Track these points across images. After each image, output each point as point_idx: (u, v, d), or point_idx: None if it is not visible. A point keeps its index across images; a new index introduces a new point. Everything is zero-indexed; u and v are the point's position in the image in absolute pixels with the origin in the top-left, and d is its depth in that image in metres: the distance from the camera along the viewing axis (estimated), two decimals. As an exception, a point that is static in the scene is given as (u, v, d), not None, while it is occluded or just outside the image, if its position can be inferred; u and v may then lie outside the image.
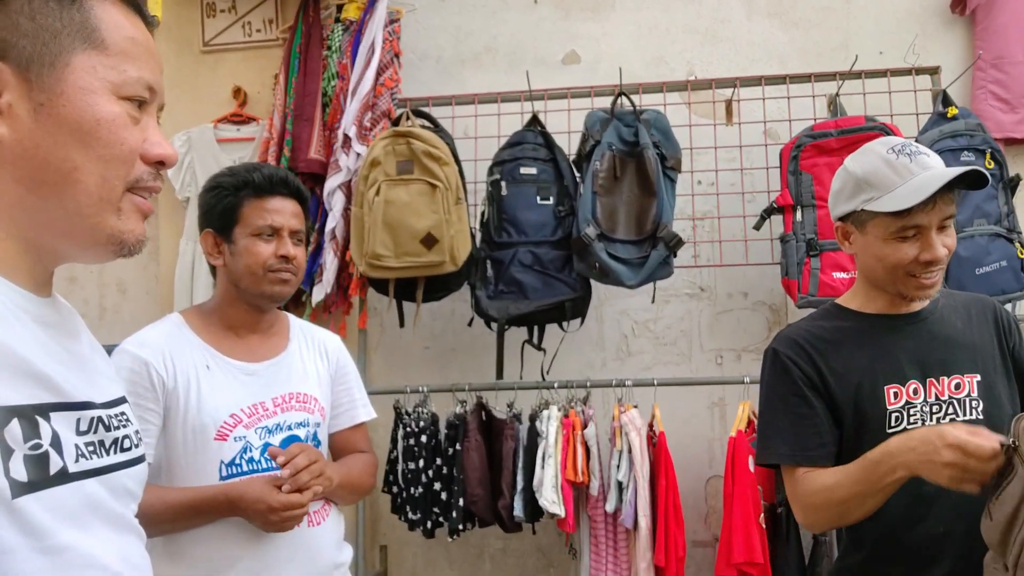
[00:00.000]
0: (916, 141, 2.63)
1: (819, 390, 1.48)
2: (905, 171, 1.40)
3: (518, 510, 2.63)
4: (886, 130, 2.66)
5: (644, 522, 2.54)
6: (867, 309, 1.53)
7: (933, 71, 2.90)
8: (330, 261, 2.91)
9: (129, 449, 0.87)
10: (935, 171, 1.40)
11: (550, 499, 2.55)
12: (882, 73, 2.89)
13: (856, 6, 3.19)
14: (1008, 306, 2.64)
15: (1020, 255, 2.62)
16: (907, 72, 2.89)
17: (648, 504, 2.55)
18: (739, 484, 2.49)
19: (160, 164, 0.85)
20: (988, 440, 1.20)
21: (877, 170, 1.42)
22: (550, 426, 2.62)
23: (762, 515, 2.50)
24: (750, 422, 2.68)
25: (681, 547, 2.49)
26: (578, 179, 2.79)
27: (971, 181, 1.37)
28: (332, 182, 2.92)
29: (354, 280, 2.93)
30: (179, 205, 3.31)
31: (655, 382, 2.76)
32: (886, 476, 1.31)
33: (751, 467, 2.51)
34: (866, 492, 1.34)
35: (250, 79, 3.35)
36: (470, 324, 2.92)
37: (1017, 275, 2.60)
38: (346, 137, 2.91)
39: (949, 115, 2.70)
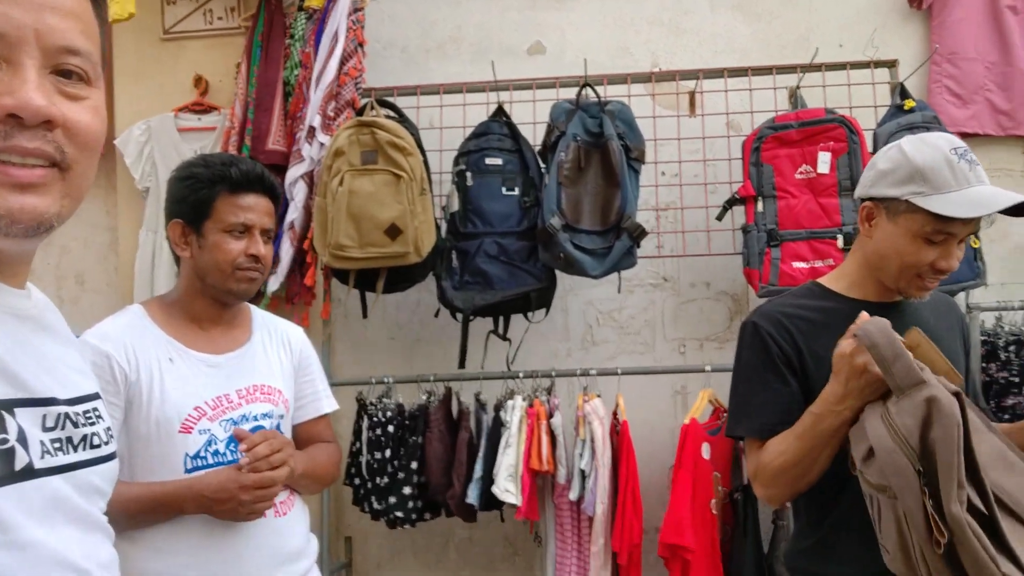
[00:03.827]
0: (875, 133, 2.73)
1: (795, 369, 1.48)
2: (963, 178, 1.37)
3: (472, 498, 2.64)
4: (846, 122, 2.71)
5: (600, 508, 2.57)
6: (852, 293, 1.53)
7: (891, 64, 2.95)
8: (286, 251, 2.89)
9: (98, 446, 0.86)
10: (988, 187, 1.39)
11: (503, 488, 2.57)
12: (842, 66, 2.93)
13: (816, 0, 3.23)
14: (962, 295, 2.71)
15: (974, 245, 2.68)
16: (866, 65, 2.93)
17: (607, 491, 2.58)
18: (683, 470, 2.53)
19: (13, 118, 0.71)
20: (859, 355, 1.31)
21: (937, 167, 1.38)
22: (514, 415, 2.64)
23: (713, 500, 2.55)
24: (716, 410, 2.72)
25: (637, 533, 2.52)
26: (543, 170, 2.80)
27: (1015, 208, 1.36)
28: (294, 172, 2.90)
29: (311, 270, 2.91)
30: (138, 195, 3.26)
31: (619, 371, 2.79)
32: (828, 419, 1.35)
33: (706, 454, 2.55)
34: (817, 444, 1.38)
35: (212, 68, 3.30)
36: (436, 315, 2.92)
37: (971, 264, 2.66)
38: (310, 127, 2.89)
39: (906, 108, 2.75)
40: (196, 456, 1.58)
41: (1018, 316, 2.78)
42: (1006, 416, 2.70)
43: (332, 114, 2.91)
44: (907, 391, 1.23)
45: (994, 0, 3.14)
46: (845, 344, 1.35)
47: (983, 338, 2.76)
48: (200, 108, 3.26)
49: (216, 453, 1.60)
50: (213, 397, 1.62)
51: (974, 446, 1.18)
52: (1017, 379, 2.70)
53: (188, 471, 1.57)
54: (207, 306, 1.69)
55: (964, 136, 3.04)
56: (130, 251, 3.24)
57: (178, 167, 1.72)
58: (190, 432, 1.58)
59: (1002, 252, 3.14)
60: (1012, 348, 2.72)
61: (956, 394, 1.22)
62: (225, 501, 1.52)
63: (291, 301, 3.05)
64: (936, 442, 1.18)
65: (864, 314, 1.36)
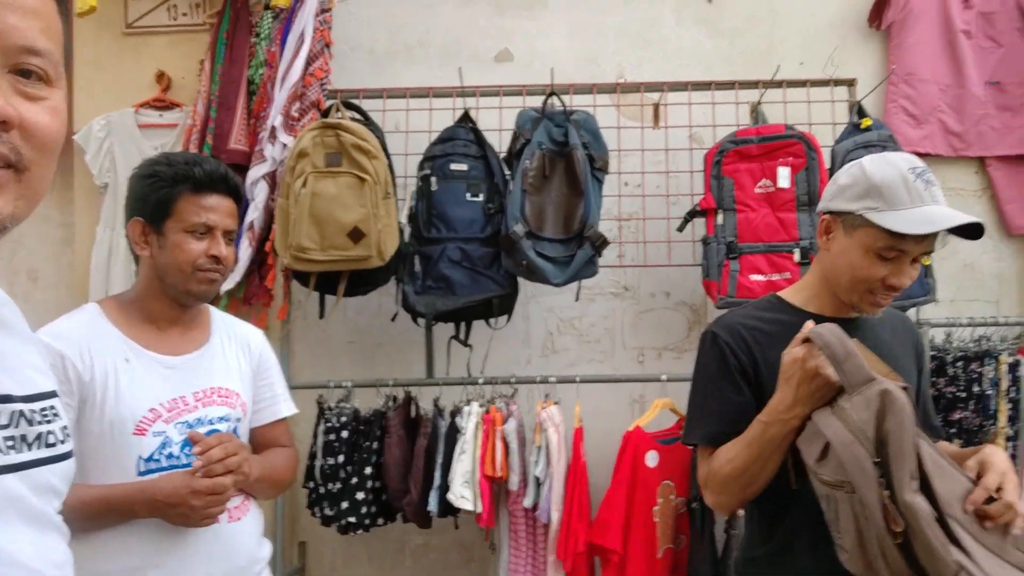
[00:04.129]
0: (832, 150, 2.79)
1: (750, 379, 1.51)
2: (917, 196, 1.40)
3: (432, 505, 2.64)
4: (805, 139, 2.76)
5: (556, 516, 2.58)
6: (809, 307, 1.55)
7: (850, 83, 3.02)
8: (244, 251, 2.86)
9: (54, 445, 0.85)
10: (941, 207, 1.41)
11: (459, 494, 2.57)
12: (802, 83, 2.99)
13: (780, 17, 3.30)
14: (913, 310, 2.78)
15: (924, 262, 2.75)
16: (825, 83, 3.00)
17: (562, 499, 2.60)
18: (620, 475, 2.57)
19: None
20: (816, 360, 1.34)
21: (893, 184, 1.41)
22: (469, 422, 2.64)
23: (656, 508, 2.58)
24: (679, 420, 2.75)
25: (582, 542, 2.53)
26: (508, 177, 2.82)
27: (967, 229, 1.39)
28: (255, 172, 2.87)
29: (271, 271, 2.88)
30: (96, 191, 3.20)
31: (577, 379, 2.81)
32: (776, 427, 1.38)
33: (651, 462, 2.58)
34: (765, 452, 1.40)
35: (175, 64, 3.26)
36: (394, 319, 2.91)
37: (922, 281, 2.73)
38: (272, 127, 2.87)
39: (863, 126, 2.82)
40: (149, 459, 1.55)
41: (966, 332, 2.86)
42: (953, 430, 2.77)
43: (296, 115, 2.89)
44: (859, 387, 1.27)
45: (949, 24, 3.23)
46: (797, 349, 1.38)
47: (932, 353, 2.83)
48: (162, 104, 3.21)
49: (170, 456, 1.58)
50: (169, 399, 1.59)
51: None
52: (964, 394, 2.78)
53: (141, 474, 1.54)
54: (165, 307, 1.67)
55: (918, 155, 3.11)
56: (86, 248, 3.18)
57: (140, 165, 1.70)
58: (144, 434, 1.55)
59: (952, 270, 3.23)
60: (960, 364, 2.80)
61: (905, 388, 1.26)
62: (176, 505, 1.50)
63: (248, 302, 3.02)
64: (890, 433, 1.21)
65: (810, 322, 1.40)
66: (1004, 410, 2.70)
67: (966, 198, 3.23)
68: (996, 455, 1.34)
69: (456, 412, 2.72)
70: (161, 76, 3.24)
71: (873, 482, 1.21)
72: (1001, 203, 3.22)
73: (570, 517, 2.55)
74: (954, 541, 1.19)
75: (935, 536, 1.16)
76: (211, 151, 2.93)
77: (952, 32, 3.23)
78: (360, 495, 2.70)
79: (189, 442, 1.56)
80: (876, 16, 3.25)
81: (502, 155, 2.87)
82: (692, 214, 2.85)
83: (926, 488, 1.21)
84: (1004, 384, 2.71)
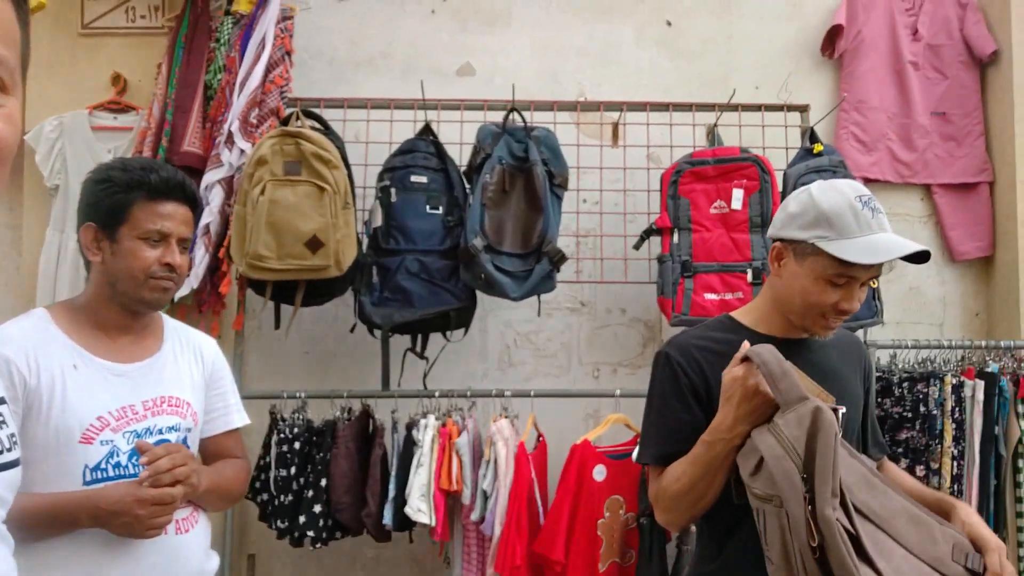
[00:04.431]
0: (785, 173, 2.86)
1: (702, 399, 1.52)
2: (866, 225, 1.43)
3: (387, 518, 2.62)
4: (759, 162, 2.83)
5: (498, 530, 2.58)
6: (759, 328, 1.58)
7: (803, 109, 3.10)
8: (200, 257, 2.82)
9: (0, 452, 0.83)
10: (889, 234, 1.46)
11: (416, 507, 2.55)
12: (757, 107, 3.06)
13: (737, 42, 3.37)
14: (860, 332, 2.85)
15: (872, 284, 2.83)
16: (780, 108, 3.07)
17: (505, 513, 2.59)
18: (564, 487, 2.58)
19: None
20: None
21: (842, 213, 1.44)
22: (425, 435, 2.63)
23: (601, 521, 2.60)
24: (635, 436, 2.77)
25: (519, 555, 2.52)
26: (468, 190, 2.83)
27: (914, 254, 1.44)
28: (211, 176, 2.83)
29: (225, 279, 2.84)
30: (46, 193, 3.13)
31: (532, 393, 2.82)
32: (719, 446, 1.41)
33: (598, 476, 2.61)
34: (710, 470, 1.43)
35: (131, 67, 3.21)
36: (352, 330, 2.90)
37: (869, 304, 2.81)
38: (229, 132, 2.84)
39: (815, 151, 2.89)
40: (96, 468, 1.52)
41: (911, 354, 2.94)
42: (900, 449, 2.84)
43: (255, 121, 2.87)
44: (793, 405, 1.32)
45: (898, 55, 3.34)
46: (736, 368, 1.41)
47: (879, 374, 2.91)
48: (117, 107, 3.16)
49: (118, 466, 1.55)
50: (118, 407, 1.57)
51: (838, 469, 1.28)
52: (910, 414, 2.85)
53: (87, 483, 1.51)
54: (116, 314, 1.64)
55: (866, 181, 3.21)
56: (34, 250, 3.10)
57: (95, 169, 1.67)
58: (91, 443, 1.52)
59: (898, 293, 3.33)
60: (905, 384, 2.87)
61: (834, 409, 1.32)
62: (121, 514, 1.47)
63: (200, 309, 2.97)
64: (817, 450, 1.26)
65: (746, 343, 1.44)
66: (949, 430, 2.78)
67: (912, 223, 3.33)
68: (980, 526, 1.42)
69: (413, 425, 2.71)
70: (117, 78, 3.18)
71: (800, 496, 1.26)
72: (945, 229, 3.33)
73: (509, 530, 2.54)
74: (868, 560, 1.24)
75: (847, 552, 1.21)
76: (165, 154, 2.89)
77: (901, 63, 3.34)
78: (317, 508, 2.67)
79: (137, 452, 1.53)
80: (829, 45, 3.35)
81: (462, 169, 2.88)
82: (648, 232, 2.90)
83: (847, 505, 1.26)
84: (949, 404, 2.79)
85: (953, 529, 1.39)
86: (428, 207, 2.80)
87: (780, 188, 2.86)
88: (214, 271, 2.91)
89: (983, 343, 2.92)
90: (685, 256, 2.82)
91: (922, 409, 2.81)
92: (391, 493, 2.64)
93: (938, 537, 1.36)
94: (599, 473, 2.63)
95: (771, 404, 1.37)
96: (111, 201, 1.60)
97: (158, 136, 2.95)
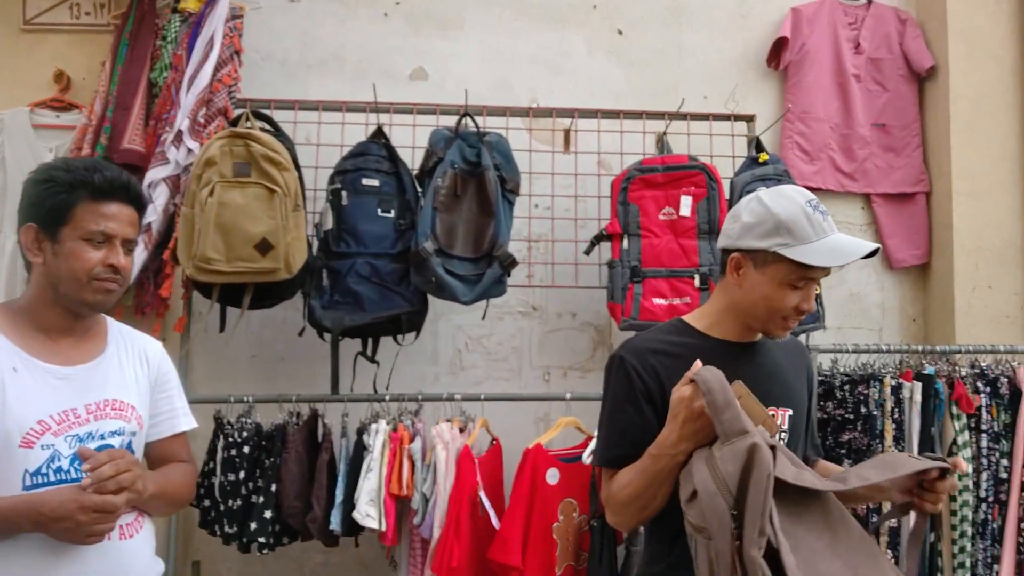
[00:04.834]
0: (732, 181, 2.92)
1: (655, 402, 1.54)
2: (820, 229, 1.50)
3: (335, 523, 2.60)
4: (706, 170, 2.88)
5: (437, 533, 2.58)
6: (713, 332, 1.61)
7: (749, 119, 3.17)
8: (138, 255, 2.75)
9: None
10: (841, 235, 1.53)
11: (364, 512, 2.54)
12: (705, 117, 3.13)
13: (686, 52, 3.44)
14: (803, 336, 2.92)
15: (816, 291, 2.90)
16: (727, 117, 3.14)
17: (444, 516, 2.58)
18: (519, 492, 2.59)
19: None
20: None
21: (797, 220, 1.49)
22: (376, 439, 2.62)
23: (556, 525, 2.62)
24: (586, 439, 2.80)
25: (455, 558, 2.52)
26: (420, 194, 2.83)
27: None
28: (155, 173, 2.76)
29: (168, 281, 2.79)
30: (-17, 191, 3.04)
31: (482, 396, 2.83)
32: (664, 460, 1.44)
33: (552, 479, 2.62)
34: (655, 482, 1.46)
35: (76, 64, 3.14)
36: (301, 334, 2.87)
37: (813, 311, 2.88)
38: (178, 131, 2.79)
39: (761, 160, 2.96)
40: (36, 472, 1.49)
41: (852, 358, 3.02)
42: (843, 450, 2.92)
43: (203, 121, 2.82)
44: (732, 438, 1.32)
45: (841, 67, 3.45)
46: (684, 389, 1.43)
47: (821, 378, 2.98)
48: (59, 105, 3.09)
49: (59, 470, 1.51)
50: (59, 411, 1.53)
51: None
52: (852, 416, 2.93)
53: (27, 488, 1.48)
54: (58, 316, 1.60)
55: (810, 190, 3.28)
56: (-31, 251, 3.00)
57: (37, 169, 1.63)
58: (31, 447, 1.49)
59: (839, 299, 3.42)
60: (847, 387, 2.95)
61: (772, 447, 1.32)
62: (61, 520, 1.44)
63: (142, 311, 2.91)
64: (749, 489, 1.28)
65: (698, 363, 1.46)
66: (889, 430, 2.86)
67: (853, 232, 3.43)
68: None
69: (363, 429, 2.69)
70: (60, 76, 3.11)
71: (728, 534, 1.27)
72: (884, 238, 3.44)
73: (448, 532, 2.54)
74: None
75: None
76: (104, 151, 2.83)
77: (843, 75, 3.44)
78: (268, 514, 2.63)
79: (79, 457, 1.50)
80: (774, 57, 3.43)
81: (414, 172, 2.88)
82: (599, 238, 2.93)
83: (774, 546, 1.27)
84: (889, 405, 2.87)
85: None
86: (380, 210, 2.79)
87: (727, 196, 2.93)
88: (157, 272, 2.86)
89: (920, 347, 3.02)
90: (634, 261, 2.86)
91: (863, 410, 2.89)
92: (339, 497, 2.62)
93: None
94: (552, 477, 2.64)
95: (715, 428, 1.39)
96: (53, 201, 1.57)
97: (97, 133, 2.88)
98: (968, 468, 1.48)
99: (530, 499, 2.60)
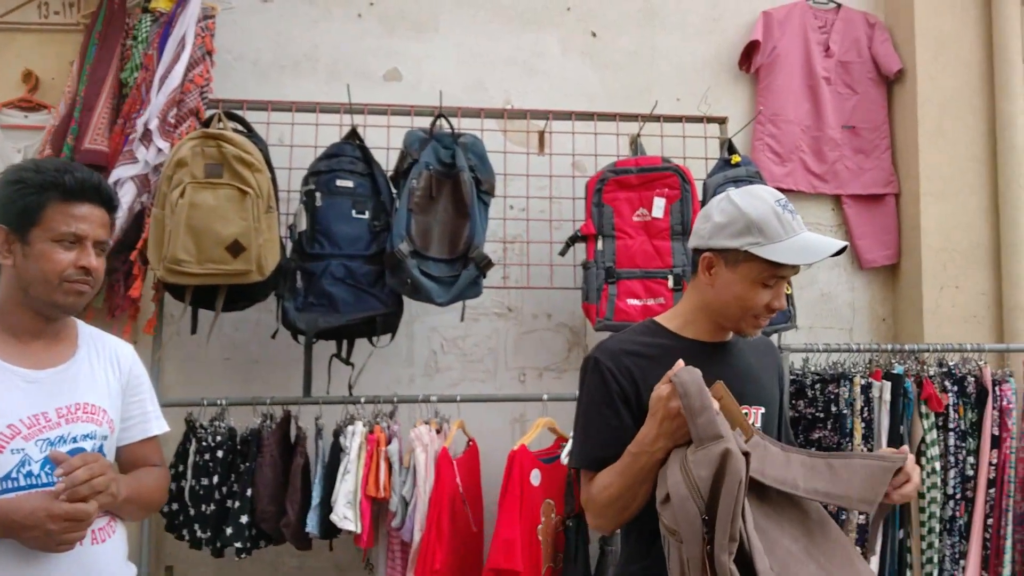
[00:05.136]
0: (704, 183, 2.94)
1: (631, 403, 1.55)
2: (790, 228, 1.52)
3: (311, 526, 2.58)
4: (680, 171, 2.91)
5: (418, 536, 2.57)
6: (684, 332, 1.63)
7: (721, 121, 3.20)
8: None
9: None
10: (811, 234, 1.56)
11: (341, 514, 2.52)
12: (678, 119, 3.15)
13: (659, 55, 3.47)
14: (775, 336, 2.95)
15: (787, 291, 2.94)
16: (699, 120, 3.17)
17: (425, 519, 2.58)
18: (510, 495, 2.59)
19: None
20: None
21: (768, 219, 1.52)
22: (353, 441, 2.61)
23: (539, 526, 2.62)
24: (557, 439, 2.80)
25: (438, 560, 2.52)
26: (394, 195, 2.82)
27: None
28: (122, 171, 2.72)
29: (137, 282, 2.75)
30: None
31: (458, 398, 2.83)
32: (643, 458, 1.45)
33: (535, 480, 2.63)
34: (635, 481, 1.47)
35: (45, 64, 3.10)
36: (274, 336, 2.85)
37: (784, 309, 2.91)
38: (147, 130, 2.76)
39: (733, 162, 2.99)
40: (7, 477, 1.47)
41: (822, 357, 3.06)
42: (813, 448, 2.95)
43: (173, 121, 2.80)
44: (706, 443, 1.34)
45: (812, 70, 3.49)
46: (663, 388, 1.44)
47: (792, 377, 3.02)
48: (28, 105, 3.04)
49: (30, 475, 1.49)
50: (29, 415, 1.51)
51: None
52: (822, 414, 2.97)
53: None
54: (28, 318, 1.58)
55: (781, 191, 3.33)
56: (-66, 253, 2.95)
57: (6, 170, 1.62)
58: (1, 451, 1.47)
59: (810, 299, 3.47)
60: (817, 386, 2.99)
61: (746, 453, 1.34)
62: (32, 529, 1.42)
63: (112, 314, 2.88)
64: (721, 495, 1.29)
65: (680, 362, 1.47)
66: (859, 428, 2.90)
67: (823, 232, 3.47)
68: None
69: (339, 432, 2.68)
70: (28, 76, 3.07)
71: (699, 538, 1.29)
72: (854, 239, 3.49)
73: (430, 535, 2.53)
74: None
75: None
76: (71, 151, 2.79)
77: (814, 78, 3.49)
78: (244, 518, 2.61)
79: (50, 461, 1.48)
80: (746, 60, 3.47)
81: (389, 174, 2.87)
82: (573, 239, 2.95)
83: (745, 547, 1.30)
84: (858, 404, 2.91)
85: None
86: (354, 212, 2.78)
87: (700, 197, 2.95)
88: (126, 275, 2.82)
89: (889, 347, 3.06)
90: (609, 263, 2.88)
91: (833, 409, 2.93)
92: (315, 500, 2.61)
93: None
94: (535, 478, 2.64)
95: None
96: (23, 203, 1.55)
97: (63, 133, 2.85)
98: (911, 456, 1.51)
99: (520, 502, 2.59)
